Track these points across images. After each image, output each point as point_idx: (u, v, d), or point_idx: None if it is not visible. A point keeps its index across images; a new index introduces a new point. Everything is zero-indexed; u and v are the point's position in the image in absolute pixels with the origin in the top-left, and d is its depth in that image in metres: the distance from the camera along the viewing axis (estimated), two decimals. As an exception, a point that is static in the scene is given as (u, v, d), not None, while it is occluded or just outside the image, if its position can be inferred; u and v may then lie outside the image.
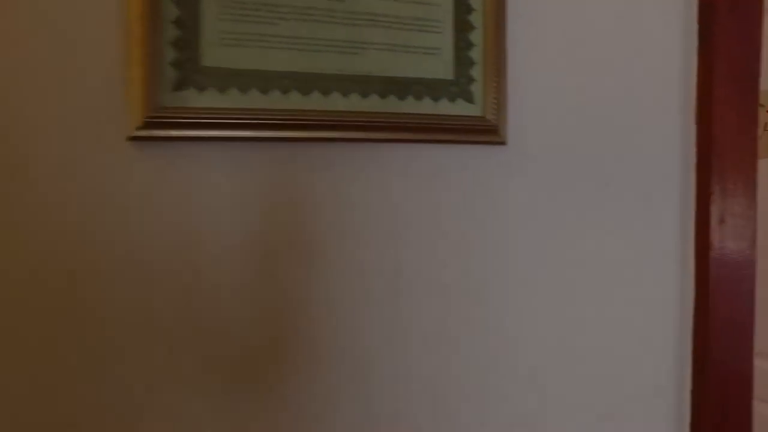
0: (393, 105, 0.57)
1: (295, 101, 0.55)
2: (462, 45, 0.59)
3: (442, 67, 0.58)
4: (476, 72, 0.59)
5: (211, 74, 0.53)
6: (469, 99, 0.59)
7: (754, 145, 0.72)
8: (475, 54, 0.59)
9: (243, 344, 0.55)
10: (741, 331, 0.70)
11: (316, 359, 0.56)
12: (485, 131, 0.59)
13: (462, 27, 0.58)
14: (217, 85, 0.53)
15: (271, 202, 0.56)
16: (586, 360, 0.67)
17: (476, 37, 0.59)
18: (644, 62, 0.68)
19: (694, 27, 0.72)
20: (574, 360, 0.67)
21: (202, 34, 0.52)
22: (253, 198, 0.55)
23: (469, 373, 0.62)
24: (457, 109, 0.58)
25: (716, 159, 0.70)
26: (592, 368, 0.68)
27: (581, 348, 0.67)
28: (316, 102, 0.55)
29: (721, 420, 0.70)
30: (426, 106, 0.58)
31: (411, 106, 0.57)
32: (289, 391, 0.56)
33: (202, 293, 0.54)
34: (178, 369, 0.53)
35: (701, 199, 0.71)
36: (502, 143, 0.60)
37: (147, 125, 0.50)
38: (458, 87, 0.58)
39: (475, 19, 0.59)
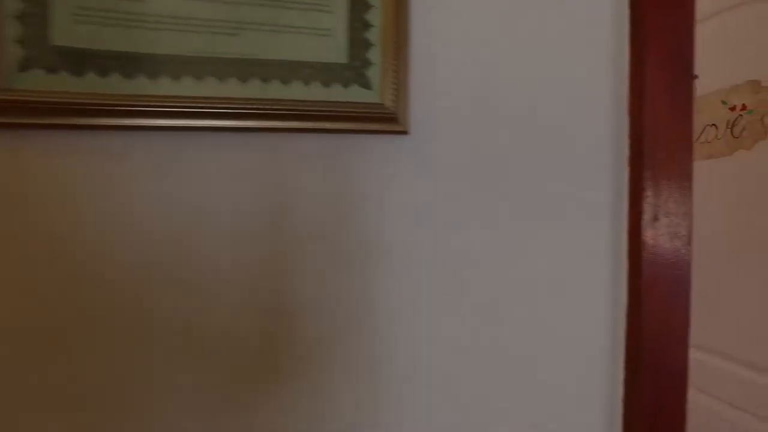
0: (276, 91, 0.51)
1: (164, 87, 0.49)
2: (358, 25, 0.53)
3: (334, 50, 0.53)
4: (374, 55, 0.53)
5: (64, 54, 0.47)
6: (366, 84, 0.53)
7: (689, 138, 0.68)
8: (373, 35, 0.54)
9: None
10: (676, 332, 0.65)
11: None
12: (383, 119, 0.53)
13: (358, 6, 0.53)
14: (71, 66, 0.47)
15: (128, 194, 0.50)
16: (511, 365, 0.62)
17: (374, 16, 0.54)
18: (570, 48, 0.63)
19: (626, 11, 0.67)
20: (499, 364, 0.62)
21: (52, 8, 0.47)
22: (110, 191, 0.49)
23: (374, 384, 0.56)
24: (351, 95, 0.53)
25: (649, 153, 0.65)
26: (518, 373, 0.63)
27: (506, 352, 0.62)
28: (188, 88, 0.49)
29: (654, 421, 0.65)
30: (315, 92, 0.52)
31: (298, 92, 0.52)
32: None
33: (35, 283, 0.48)
34: None
35: (634, 196, 0.66)
36: (404, 132, 0.55)
37: (-16, 109, 0.44)
38: (353, 71, 0.53)
39: (374, -3, 0.53)
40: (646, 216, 0.65)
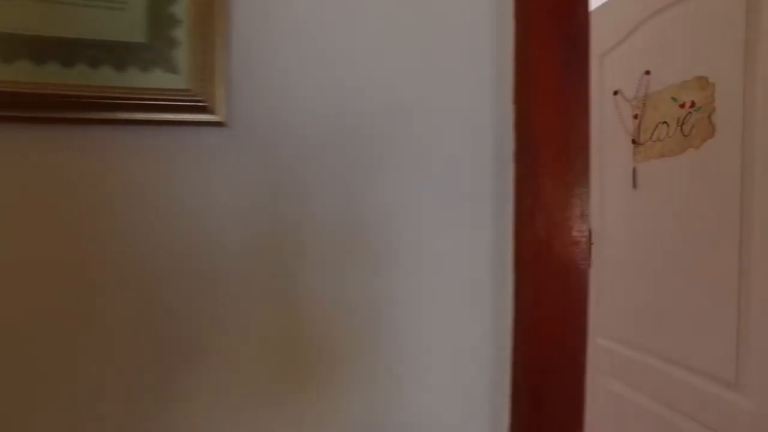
0: (54, 74, 0.42)
1: None
2: (161, -2, 0.45)
3: (129, 26, 0.44)
4: (181, 33, 0.45)
5: None
6: (171, 68, 0.45)
7: (584, 128, 0.59)
8: (180, 9, 0.45)
9: None
10: (568, 338, 0.57)
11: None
12: (193, 108, 0.45)
13: (162, -25, 0.45)
14: None
15: None
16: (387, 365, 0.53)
17: (183, -13, 0.45)
18: (435, 27, 0.55)
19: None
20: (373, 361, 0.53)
21: None
22: None
23: (215, 390, 0.47)
24: (152, 80, 0.44)
25: (538, 146, 0.57)
26: (393, 381, 0.54)
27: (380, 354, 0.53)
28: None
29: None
30: (105, 77, 0.44)
31: (80, 75, 0.43)
32: None
33: None
34: None
35: (521, 196, 0.57)
36: (220, 124, 0.46)
37: None
38: (154, 52, 0.45)
39: (183, -36, 0.45)
40: (534, 218, 0.56)
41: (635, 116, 1.55)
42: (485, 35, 0.57)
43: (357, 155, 0.51)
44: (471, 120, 0.56)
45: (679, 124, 1.37)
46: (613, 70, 1.65)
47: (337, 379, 0.51)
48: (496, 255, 0.57)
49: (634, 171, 1.55)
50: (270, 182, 0.48)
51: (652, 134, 1.48)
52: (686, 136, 1.35)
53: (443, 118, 0.54)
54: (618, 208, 1.63)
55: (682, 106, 1.37)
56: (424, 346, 0.54)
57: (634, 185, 1.55)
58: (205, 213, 0.47)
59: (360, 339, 0.52)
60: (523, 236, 0.56)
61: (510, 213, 0.57)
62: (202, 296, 0.46)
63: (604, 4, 1.70)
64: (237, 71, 0.47)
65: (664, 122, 1.44)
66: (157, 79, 0.44)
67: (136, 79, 0.44)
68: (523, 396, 0.57)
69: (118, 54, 0.44)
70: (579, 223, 0.58)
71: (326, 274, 0.50)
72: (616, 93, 1.63)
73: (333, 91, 0.50)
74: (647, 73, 1.49)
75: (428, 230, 0.54)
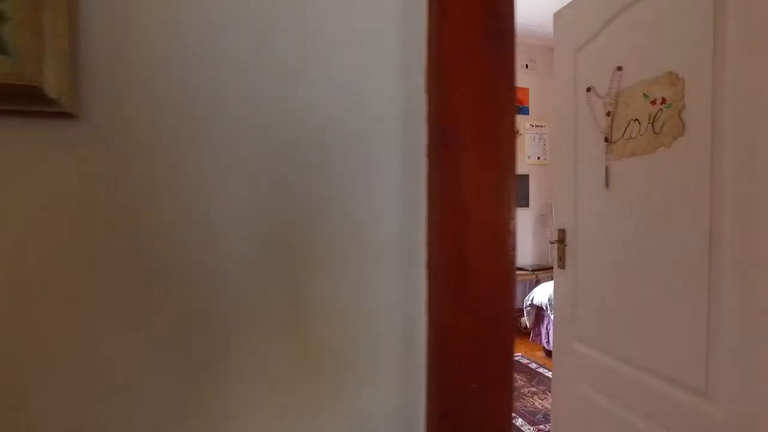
0: None
1: None
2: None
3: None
4: (7, 6, 0.39)
5: None
6: None
7: (509, 117, 0.53)
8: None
9: None
10: (490, 365, 0.51)
11: None
12: (27, 96, 0.39)
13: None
14: None
15: None
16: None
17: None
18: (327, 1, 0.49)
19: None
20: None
21: None
22: None
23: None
24: (-25, 61, 0.38)
25: (454, 140, 0.51)
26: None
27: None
28: None
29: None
30: None
31: None
32: None
33: None
34: None
35: (434, 195, 0.51)
36: (66, 115, 0.40)
37: None
38: (-22, 28, 0.38)
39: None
40: (449, 220, 0.50)
41: (608, 113, 1.50)
42: (390, 9, 0.51)
43: (248, 155, 0.45)
44: (374, 110, 0.50)
45: (651, 121, 1.32)
46: (586, 66, 1.60)
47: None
48: (407, 254, 0.51)
49: (607, 170, 1.50)
50: (121, 181, 0.42)
51: (624, 132, 1.43)
52: (657, 133, 1.30)
53: (343, 110, 0.48)
54: (591, 208, 1.57)
55: (653, 102, 1.32)
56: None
57: (607, 185, 1.49)
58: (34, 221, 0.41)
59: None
60: (437, 248, 0.50)
61: (423, 215, 0.51)
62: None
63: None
64: (88, 52, 0.41)
65: (636, 120, 1.38)
66: (-19, 61, 0.38)
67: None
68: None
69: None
70: (505, 233, 0.51)
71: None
72: (588, 90, 1.57)
73: (204, 79, 0.44)
74: (619, 69, 1.44)
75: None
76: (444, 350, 0.50)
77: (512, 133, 0.52)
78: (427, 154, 0.52)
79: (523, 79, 4.22)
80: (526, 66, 4.21)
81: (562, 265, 1.69)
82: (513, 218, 0.51)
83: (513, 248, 0.51)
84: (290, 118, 0.47)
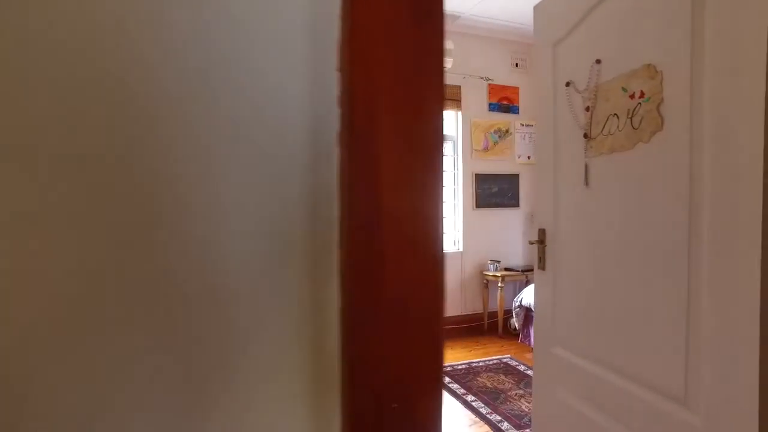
0: None
1: None
2: None
3: None
4: None
5: None
6: None
7: (437, 100, 0.47)
8: None
9: None
10: (408, 360, 0.44)
11: None
12: None
13: None
14: None
15: None
16: None
17: None
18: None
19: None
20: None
21: None
22: None
23: None
24: None
25: (370, 126, 0.44)
26: None
27: None
28: None
29: None
30: None
31: None
32: None
33: None
34: None
35: (347, 191, 0.45)
36: None
37: None
38: None
39: None
40: (362, 213, 0.44)
41: (587, 109, 1.44)
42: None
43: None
44: (277, 93, 0.43)
45: (629, 116, 1.26)
46: (566, 60, 1.54)
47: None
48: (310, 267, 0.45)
49: (586, 167, 1.44)
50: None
51: (603, 127, 1.37)
52: (636, 129, 1.24)
53: (243, 88, 0.42)
54: (571, 207, 1.51)
55: (632, 96, 1.26)
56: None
57: (586, 183, 1.44)
58: None
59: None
60: (348, 247, 0.44)
61: (335, 214, 0.45)
62: None
63: (555, -11, 1.58)
64: None
65: (615, 114, 1.33)
66: None
67: None
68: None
69: None
70: (430, 225, 0.45)
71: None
72: (568, 84, 1.51)
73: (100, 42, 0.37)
74: (598, 62, 1.38)
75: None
76: (360, 364, 0.43)
77: (439, 116, 0.46)
78: (340, 143, 0.45)
79: (513, 78, 4.17)
80: (516, 65, 4.15)
81: (542, 266, 1.63)
82: (439, 207, 0.45)
83: (439, 240, 0.45)
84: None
